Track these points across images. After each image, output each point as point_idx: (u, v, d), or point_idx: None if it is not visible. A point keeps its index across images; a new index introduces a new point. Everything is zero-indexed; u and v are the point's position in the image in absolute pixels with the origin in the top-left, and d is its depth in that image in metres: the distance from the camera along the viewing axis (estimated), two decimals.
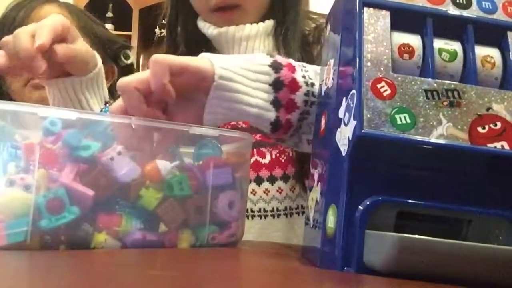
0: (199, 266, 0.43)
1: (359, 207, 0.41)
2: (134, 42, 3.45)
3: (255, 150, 0.80)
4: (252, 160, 0.79)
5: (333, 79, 0.48)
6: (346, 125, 0.43)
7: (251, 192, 0.79)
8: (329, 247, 0.43)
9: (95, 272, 0.37)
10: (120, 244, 0.49)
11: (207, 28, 0.86)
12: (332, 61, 0.50)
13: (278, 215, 0.79)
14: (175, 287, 0.32)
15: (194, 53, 0.86)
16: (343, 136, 0.43)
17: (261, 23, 0.85)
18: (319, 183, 0.48)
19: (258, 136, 0.78)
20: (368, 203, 0.41)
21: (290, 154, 0.80)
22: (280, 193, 0.79)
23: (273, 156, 0.80)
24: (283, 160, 0.80)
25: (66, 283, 0.31)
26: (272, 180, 0.79)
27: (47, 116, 0.47)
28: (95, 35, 1.05)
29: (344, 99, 0.44)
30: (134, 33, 3.46)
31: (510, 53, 0.45)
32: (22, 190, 0.45)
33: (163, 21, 0.92)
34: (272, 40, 0.86)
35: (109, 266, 0.41)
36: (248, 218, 0.78)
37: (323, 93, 0.53)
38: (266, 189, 0.79)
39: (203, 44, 0.88)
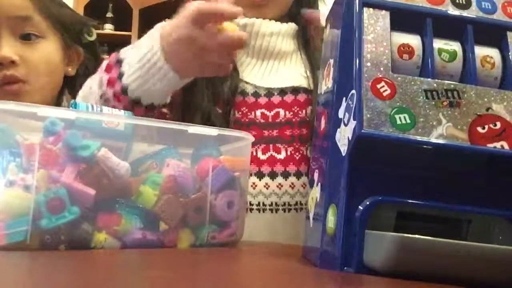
0: (199, 266, 0.43)
1: (359, 207, 0.41)
2: (134, 42, 3.44)
3: (271, 145, 0.82)
4: (267, 155, 0.81)
5: (333, 79, 0.48)
6: (346, 125, 0.43)
7: (264, 186, 0.81)
8: (329, 247, 0.43)
9: (95, 272, 0.37)
10: (120, 244, 0.49)
11: None
12: (332, 61, 0.50)
13: (289, 210, 0.81)
14: (175, 287, 0.32)
15: None
16: (343, 136, 0.43)
17: (285, 24, 0.87)
18: (319, 183, 0.48)
19: (275, 132, 0.82)
20: (368, 203, 0.41)
21: (304, 153, 0.82)
22: (292, 188, 0.81)
23: (288, 153, 0.81)
24: (297, 158, 0.82)
25: (66, 283, 0.31)
26: (285, 175, 0.81)
27: (48, 116, 0.47)
28: (55, 17, 0.99)
29: (344, 99, 0.44)
30: (134, 33, 3.46)
31: (509, 53, 0.45)
32: (22, 190, 0.45)
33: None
34: (294, 42, 0.89)
35: (109, 266, 0.41)
36: (259, 212, 0.80)
37: (323, 93, 0.53)
38: (280, 184, 0.81)
39: None
